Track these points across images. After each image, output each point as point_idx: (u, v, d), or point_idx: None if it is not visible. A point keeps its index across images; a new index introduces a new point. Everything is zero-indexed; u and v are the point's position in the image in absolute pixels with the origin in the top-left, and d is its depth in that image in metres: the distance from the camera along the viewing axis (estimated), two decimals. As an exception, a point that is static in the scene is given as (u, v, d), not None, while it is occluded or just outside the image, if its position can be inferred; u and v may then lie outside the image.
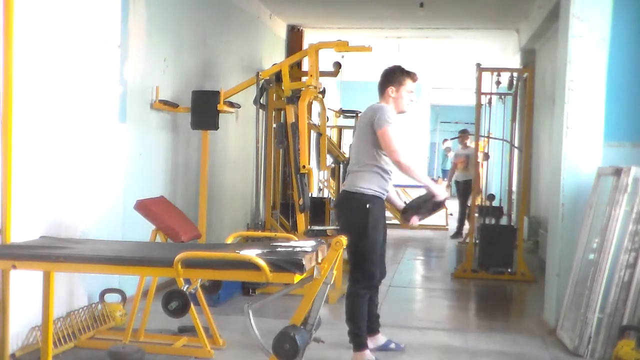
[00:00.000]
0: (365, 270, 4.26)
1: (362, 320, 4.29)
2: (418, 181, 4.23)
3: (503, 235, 7.60)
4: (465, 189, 11.00)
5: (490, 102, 8.99)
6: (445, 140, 21.27)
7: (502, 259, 7.50)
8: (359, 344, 4.27)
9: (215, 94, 6.30)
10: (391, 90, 4.36)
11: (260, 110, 6.79)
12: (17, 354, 4.13)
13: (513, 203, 9.79)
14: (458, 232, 11.24)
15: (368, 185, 4.22)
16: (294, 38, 10.83)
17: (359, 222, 4.20)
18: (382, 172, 4.26)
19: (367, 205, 4.19)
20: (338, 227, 4.45)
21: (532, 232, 10.04)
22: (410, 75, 4.40)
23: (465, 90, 16.19)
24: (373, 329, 4.53)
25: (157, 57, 6.21)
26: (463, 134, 11.49)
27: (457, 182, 11.48)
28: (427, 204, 4.33)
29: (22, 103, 4.01)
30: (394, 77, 4.38)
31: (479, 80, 7.85)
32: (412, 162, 4.17)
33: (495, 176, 14.47)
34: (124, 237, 5.39)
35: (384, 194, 4.33)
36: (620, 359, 4.26)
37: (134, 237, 5.20)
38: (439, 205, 4.37)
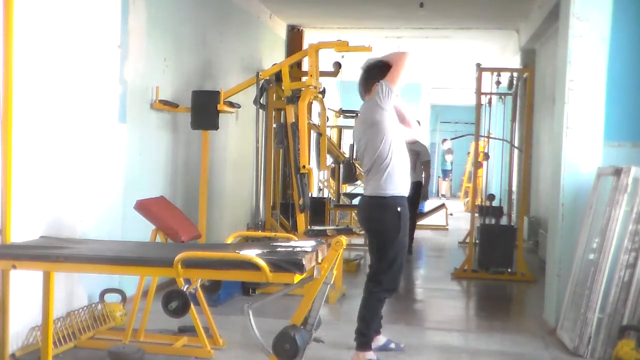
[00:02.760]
0: (391, 274, 4.23)
1: (373, 322, 4.29)
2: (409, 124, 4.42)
3: (503, 235, 7.60)
4: (413, 194, 9.67)
5: (490, 102, 8.99)
6: (445, 140, 21.28)
7: (502, 259, 7.50)
8: (363, 344, 4.25)
9: (215, 94, 6.30)
10: (376, 85, 4.16)
11: (260, 110, 6.79)
12: (17, 354, 4.13)
13: (513, 203, 9.78)
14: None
15: (394, 187, 4.15)
16: (294, 38, 10.83)
17: (392, 226, 4.14)
18: (397, 167, 4.17)
19: (399, 209, 4.13)
20: (364, 233, 4.35)
21: (532, 232, 10.03)
22: (388, 66, 4.19)
23: (465, 90, 16.18)
24: (375, 330, 4.51)
25: (157, 57, 6.20)
26: None
27: None
28: None
29: (22, 103, 4.01)
30: (377, 72, 4.21)
31: (479, 80, 7.85)
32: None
33: (495, 176, 14.48)
34: (124, 237, 5.39)
35: (407, 191, 4.28)
36: (620, 359, 4.26)
37: (134, 237, 5.20)
38: None
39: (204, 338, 4.29)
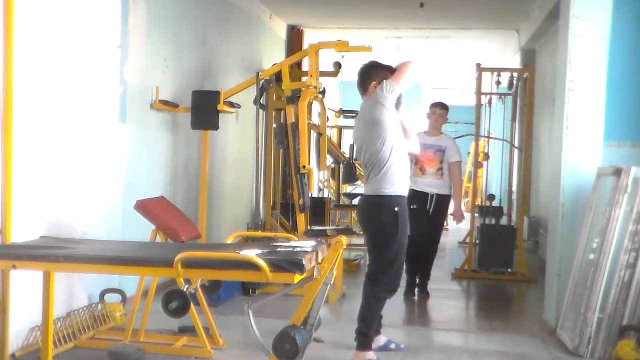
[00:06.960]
0: (390, 275, 4.23)
1: (373, 322, 4.29)
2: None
3: (503, 235, 7.60)
4: (437, 210, 6.22)
5: (490, 102, 9.00)
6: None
7: (502, 259, 7.50)
8: (363, 343, 4.25)
9: (215, 94, 6.30)
10: (374, 85, 4.21)
11: (260, 110, 6.79)
12: (17, 354, 4.12)
13: (513, 203, 9.79)
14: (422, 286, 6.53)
15: (391, 186, 4.14)
16: (294, 38, 10.83)
17: (388, 227, 4.14)
18: (397, 167, 4.16)
19: (396, 209, 4.12)
20: (362, 232, 4.39)
21: (532, 232, 10.04)
22: (388, 67, 4.28)
23: (465, 90, 16.19)
24: (375, 330, 4.51)
25: (157, 57, 6.20)
26: (437, 107, 6.42)
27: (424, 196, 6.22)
28: None
29: (22, 103, 4.01)
30: (372, 73, 4.27)
31: (479, 80, 7.85)
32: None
33: (495, 176, 14.49)
34: (124, 237, 5.39)
35: (407, 191, 4.27)
36: (620, 359, 4.26)
37: (134, 237, 5.20)
38: None
39: (204, 338, 4.29)
